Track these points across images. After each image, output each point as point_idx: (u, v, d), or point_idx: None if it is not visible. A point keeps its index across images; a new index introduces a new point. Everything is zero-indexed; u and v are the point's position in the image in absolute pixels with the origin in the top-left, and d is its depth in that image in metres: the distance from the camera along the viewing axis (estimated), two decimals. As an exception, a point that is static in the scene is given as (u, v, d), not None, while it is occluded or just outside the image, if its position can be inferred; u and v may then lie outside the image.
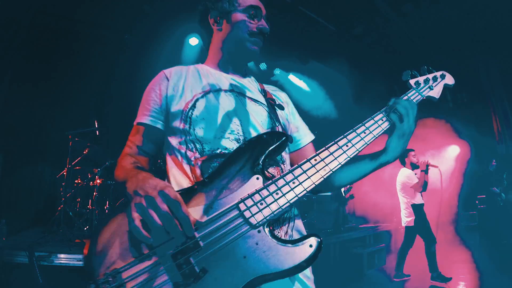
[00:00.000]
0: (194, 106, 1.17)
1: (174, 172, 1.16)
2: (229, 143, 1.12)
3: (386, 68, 7.88)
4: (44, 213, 5.59)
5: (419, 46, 7.55)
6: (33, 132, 5.55)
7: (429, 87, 1.28)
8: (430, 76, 1.31)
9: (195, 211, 0.96)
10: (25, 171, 5.71)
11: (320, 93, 8.20)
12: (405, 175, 5.23)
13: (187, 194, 0.99)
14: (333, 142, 1.08)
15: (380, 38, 7.21)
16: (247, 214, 0.96)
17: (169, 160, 1.20)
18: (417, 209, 5.11)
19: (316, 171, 1.04)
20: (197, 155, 1.12)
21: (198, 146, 1.13)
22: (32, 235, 4.29)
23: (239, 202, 0.97)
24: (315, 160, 1.05)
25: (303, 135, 1.38)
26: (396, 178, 5.36)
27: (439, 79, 1.31)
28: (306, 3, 5.98)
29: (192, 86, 1.22)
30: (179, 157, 1.15)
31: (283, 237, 1.08)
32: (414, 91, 1.25)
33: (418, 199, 5.15)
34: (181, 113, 1.16)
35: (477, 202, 7.92)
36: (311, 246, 0.93)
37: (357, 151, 1.08)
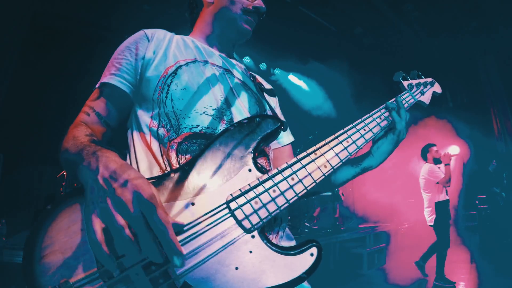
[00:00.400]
0: (175, 73, 1.00)
1: (139, 154, 0.96)
2: (212, 122, 0.96)
3: (386, 68, 7.87)
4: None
5: (419, 46, 7.56)
6: (33, 132, 5.54)
7: (420, 91, 1.28)
8: (422, 81, 1.31)
9: (173, 208, 0.77)
10: (25, 171, 5.71)
11: (320, 93, 8.20)
12: (429, 170, 4.91)
13: (161, 184, 0.79)
14: (334, 136, 1.00)
15: (380, 38, 7.22)
16: (239, 215, 0.79)
17: (135, 138, 1.00)
18: (441, 206, 4.80)
19: (317, 167, 0.90)
20: (172, 134, 0.94)
21: (173, 121, 0.95)
22: (32, 235, 4.29)
23: (230, 201, 0.80)
24: (315, 154, 0.93)
25: (285, 134, 1.26)
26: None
27: (429, 86, 1.32)
28: (306, 3, 5.98)
29: (175, 52, 1.06)
30: (148, 136, 0.96)
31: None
32: (408, 94, 1.24)
33: (443, 196, 4.85)
34: (158, 79, 0.99)
35: (477, 202, 7.92)
36: (312, 255, 0.80)
37: (358, 149, 1.01)
